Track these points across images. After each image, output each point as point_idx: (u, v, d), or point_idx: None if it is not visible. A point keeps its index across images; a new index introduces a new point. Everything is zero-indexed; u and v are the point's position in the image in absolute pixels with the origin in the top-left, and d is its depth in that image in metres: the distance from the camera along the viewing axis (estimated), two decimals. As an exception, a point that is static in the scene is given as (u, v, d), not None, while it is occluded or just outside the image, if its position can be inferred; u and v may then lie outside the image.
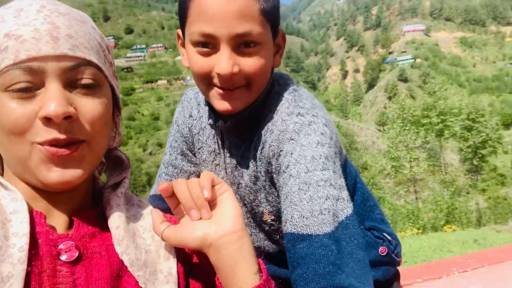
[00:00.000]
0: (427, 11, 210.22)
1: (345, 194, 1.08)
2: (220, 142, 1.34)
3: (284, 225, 1.06)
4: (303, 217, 1.02)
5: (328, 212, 1.02)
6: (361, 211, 1.40)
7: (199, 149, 1.43)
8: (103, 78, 0.82)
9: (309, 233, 1.00)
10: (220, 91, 1.16)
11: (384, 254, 1.38)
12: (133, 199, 0.93)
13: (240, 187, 1.32)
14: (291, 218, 1.04)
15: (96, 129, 0.80)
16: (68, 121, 0.75)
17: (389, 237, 1.41)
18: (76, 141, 0.76)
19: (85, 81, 0.78)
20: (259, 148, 1.23)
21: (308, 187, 1.05)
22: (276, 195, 1.25)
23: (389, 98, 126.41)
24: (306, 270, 0.96)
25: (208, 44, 1.12)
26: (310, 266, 0.96)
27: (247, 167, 1.28)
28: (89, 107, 0.78)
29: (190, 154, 1.47)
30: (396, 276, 1.48)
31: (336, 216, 1.03)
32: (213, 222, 0.82)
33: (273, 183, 1.23)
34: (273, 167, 1.19)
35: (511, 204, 34.03)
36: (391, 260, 1.41)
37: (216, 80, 1.15)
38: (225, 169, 1.35)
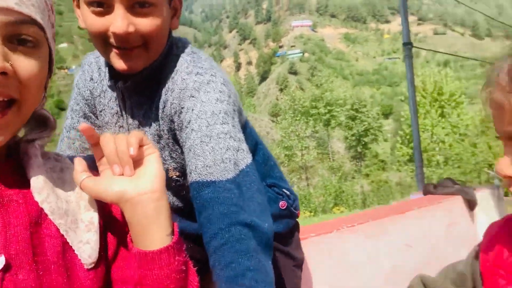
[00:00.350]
0: (314, 8, 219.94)
1: (244, 146, 1.15)
2: (121, 104, 1.34)
3: (189, 176, 1.12)
4: (207, 166, 1.08)
5: (229, 161, 1.09)
6: (262, 169, 1.47)
7: (101, 111, 1.41)
8: (44, 39, 0.79)
9: (213, 180, 1.06)
10: (117, 51, 1.17)
11: (284, 208, 1.49)
12: (50, 153, 0.91)
13: None
14: (195, 168, 1.10)
15: (31, 90, 0.77)
16: (3, 77, 0.72)
17: (288, 193, 1.52)
18: (8, 98, 0.73)
19: (27, 38, 0.75)
20: (161, 107, 1.26)
21: (210, 139, 1.11)
22: (179, 151, 1.29)
23: (281, 90, 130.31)
24: (211, 212, 1.02)
25: (103, 4, 1.12)
26: (215, 207, 1.02)
27: (149, 126, 1.30)
28: (27, 66, 0.75)
29: (93, 116, 1.45)
30: (296, 227, 1.59)
31: (237, 165, 1.10)
32: (134, 179, 0.81)
33: (176, 140, 1.28)
34: (176, 124, 1.23)
35: (392, 187, 36.99)
36: (291, 213, 1.53)
37: (112, 40, 1.16)
38: (128, 130, 1.35)
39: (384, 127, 57.64)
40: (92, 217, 0.83)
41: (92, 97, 1.43)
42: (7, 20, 0.72)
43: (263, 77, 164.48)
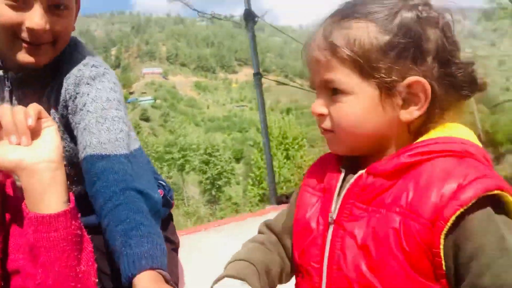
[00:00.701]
0: (164, 56, 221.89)
1: (133, 133, 1.24)
2: (8, 94, 1.35)
3: (82, 152, 1.15)
4: (101, 142, 1.14)
5: (123, 140, 1.17)
6: None
7: None
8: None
9: (108, 154, 1.12)
10: (27, 45, 1.21)
11: (161, 196, 1.53)
12: None
13: None
14: (89, 144, 1.14)
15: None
16: None
17: (163, 183, 1.62)
18: None
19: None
20: (53, 96, 1.29)
21: (105, 121, 1.18)
22: (68, 140, 1.32)
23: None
24: (106, 180, 1.06)
25: None
26: (110, 176, 1.07)
27: None
28: None
29: None
30: (171, 216, 1.71)
31: (128, 146, 1.18)
32: (32, 149, 0.83)
33: (66, 128, 1.31)
34: (69, 108, 1.27)
35: (245, 227, 37.76)
36: (167, 202, 1.61)
37: (24, 35, 1.19)
38: None
39: (236, 171, 59.51)
40: None
41: None
42: None
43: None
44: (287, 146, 35.55)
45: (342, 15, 0.89)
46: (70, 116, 1.28)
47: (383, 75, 0.84)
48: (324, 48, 0.88)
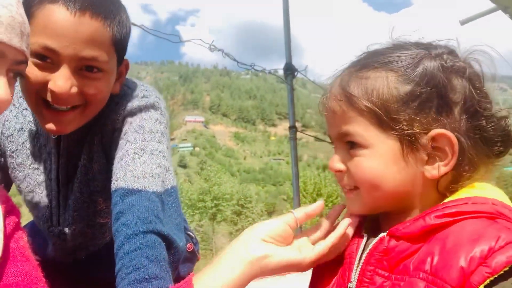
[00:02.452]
0: (207, 105, 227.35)
1: (172, 168, 1.16)
2: (54, 144, 1.28)
3: (115, 183, 1.08)
4: (135, 176, 1.07)
5: (158, 177, 1.09)
6: None
7: (13, 152, 1.33)
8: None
9: (140, 189, 1.04)
10: (49, 111, 1.10)
11: (190, 250, 1.48)
12: None
13: (75, 181, 1.29)
14: (123, 176, 1.07)
15: None
16: None
17: (192, 235, 1.52)
18: None
19: (20, 74, 0.90)
20: (99, 131, 1.23)
21: (143, 153, 1.11)
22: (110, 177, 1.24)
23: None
24: (130, 218, 0.99)
25: (46, 58, 1.05)
26: (135, 214, 1.00)
27: (83, 159, 1.27)
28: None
29: None
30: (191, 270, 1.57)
31: (164, 183, 1.10)
32: None
33: (107, 157, 1.25)
34: (112, 138, 1.21)
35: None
36: (194, 257, 1.53)
37: (49, 97, 1.08)
38: (57, 169, 1.29)
39: None
40: None
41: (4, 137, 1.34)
42: (16, 59, 0.85)
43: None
44: None
45: (361, 65, 0.85)
46: (110, 145, 1.22)
47: (404, 127, 0.79)
48: (340, 98, 0.84)
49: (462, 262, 0.67)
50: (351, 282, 0.83)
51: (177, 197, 1.14)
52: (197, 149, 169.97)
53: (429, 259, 0.72)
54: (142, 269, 0.91)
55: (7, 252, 0.83)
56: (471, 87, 0.80)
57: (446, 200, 0.80)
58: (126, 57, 1.21)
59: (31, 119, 1.31)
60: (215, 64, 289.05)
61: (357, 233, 0.90)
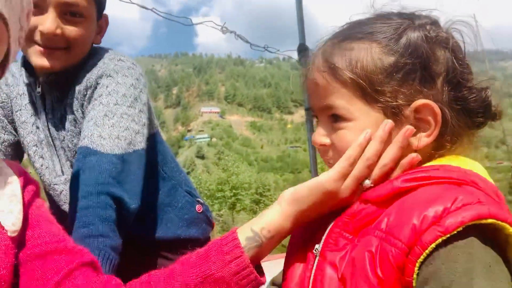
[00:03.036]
0: (222, 96, 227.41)
1: (144, 132, 1.24)
2: (41, 102, 1.40)
3: (82, 141, 1.16)
4: (102, 137, 1.15)
5: (125, 139, 1.16)
6: (178, 177, 1.57)
7: (17, 111, 1.46)
8: (5, 36, 0.79)
9: (101, 151, 1.12)
10: (41, 48, 1.26)
11: (200, 211, 1.57)
12: None
13: (64, 139, 1.40)
14: (90, 135, 1.15)
15: None
16: None
17: (201, 201, 1.59)
18: None
19: None
20: (78, 88, 1.32)
21: (113, 116, 1.19)
22: None
23: (188, 173, 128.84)
24: (89, 177, 1.08)
25: (36, 5, 1.18)
26: (93, 174, 1.08)
27: (68, 115, 1.37)
28: None
29: (6, 121, 1.48)
30: (210, 238, 1.63)
31: (132, 144, 1.18)
32: None
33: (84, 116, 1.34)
34: (87, 97, 1.30)
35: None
36: (207, 219, 1.61)
37: (37, 38, 1.25)
38: (48, 126, 1.41)
39: None
40: (14, 190, 0.84)
41: (8, 100, 1.47)
42: None
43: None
44: None
45: (344, 36, 0.84)
46: (85, 103, 1.30)
47: (388, 99, 0.78)
48: (324, 70, 0.82)
49: (415, 220, 0.66)
50: (318, 244, 0.83)
51: (143, 160, 1.20)
52: (214, 139, 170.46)
53: (385, 219, 0.72)
54: (91, 226, 1.00)
55: (29, 220, 0.86)
56: (453, 58, 0.79)
57: (426, 165, 0.80)
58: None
59: (26, 89, 1.43)
60: (228, 54, 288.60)
61: None
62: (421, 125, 0.79)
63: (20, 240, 0.82)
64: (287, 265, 0.91)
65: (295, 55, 3.74)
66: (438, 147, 0.80)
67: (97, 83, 1.27)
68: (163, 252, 1.49)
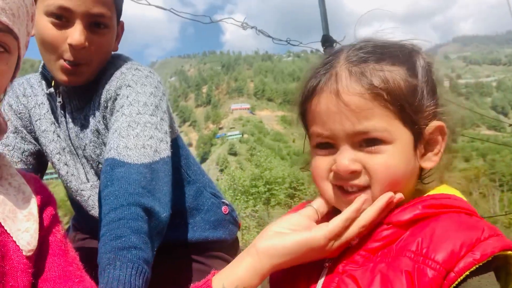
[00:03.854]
0: (252, 92, 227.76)
1: (168, 140, 1.23)
2: (61, 111, 1.41)
3: (108, 153, 1.15)
4: (127, 147, 1.13)
5: (150, 148, 1.15)
6: (202, 178, 1.57)
7: (36, 121, 1.46)
8: (16, 48, 0.81)
9: (129, 162, 1.11)
10: (67, 66, 1.26)
11: (226, 213, 1.57)
12: None
13: (86, 148, 1.40)
14: (116, 147, 1.14)
15: None
16: None
17: (227, 202, 1.60)
18: None
19: (2, 46, 0.78)
20: (98, 100, 1.32)
21: (137, 126, 1.18)
22: None
23: (221, 170, 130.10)
24: (118, 188, 1.06)
25: (62, 17, 1.22)
26: (123, 185, 1.06)
27: (89, 125, 1.37)
28: None
29: (25, 131, 1.48)
30: (237, 240, 1.66)
31: (158, 152, 1.16)
32: None
33: (106, 127, 1.35)
34: (108, 109, 1.29)
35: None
36: (234, 220, 1.61)
37: (67, 55, 1.25)
38: (68, 135, 1.42)
39: None
40: (31, 208, 0.84)
41: (26, 110, 1.48)
42: None
43: (203, 158, 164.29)
44: None
45: (366, 58, 0.80)
46: (107, 116, 1.30)
47: (417, 120, 0.79)
48: (359, 92, 0.77)
49: (453, 246, 0.70)
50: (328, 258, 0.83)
51: (170, 167, 1.18)
52: (245, 136, 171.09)
53: (417, 241, 0.73)
54: (123, 238, 0.97)
55: (45, 246, 0.86)
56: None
57: (431, 193, 0.83)
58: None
59: (46, 98, 1.44)
60: (256, 50, 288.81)
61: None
62: (430, 145, 0.81)
63: (37, 261, 0.82)
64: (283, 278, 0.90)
65: (319, 47, 3.70)
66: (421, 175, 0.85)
67: (117, 94, 1.26)
68: (193, 255, 1.49)
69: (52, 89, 1.38)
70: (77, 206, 1.53)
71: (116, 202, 1.03)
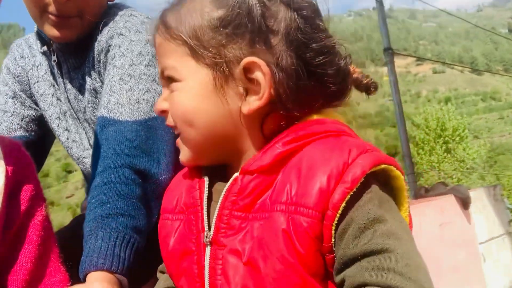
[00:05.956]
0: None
1: None
2: (58, 70, 1.23)
3: (99, 110, 1.02)
4: (119, 104, 0.98)
5: (146, 102, 0.99)
6: None
7: (34, 83, 1.29)
8: None
9: (120, 119, 0.96)
10: (54, 18, 1.09)
11: None
12: None
13: (86, 110, 1.23)
14: (107, 104, 1.00)
15: None
16: None
17: None
18: None
19: None
20: (92, 55, 1.15)
21: (130, 79, 1.01)
22: None
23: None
24: (106, 150, 0.92)
25: None
26: (111, 146, 0.92)
27: (87, 84, 1.19)
28: None
29: (24, 95, 1.31)
30: None
31: (152, 109, 0.99)
32: None
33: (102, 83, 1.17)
34: (101, 63, 1.12)
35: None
36: None
37: (51, 8, 1.07)
38: (68, 98, 1.24)
39: None
40: None
41: (24, 73, 1.30)
42: None
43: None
44: (446, 138, 31.21)
45: None
46: (102, 72, 1.12)
47: (214, 55, 0.68)
48: (159, 32, 0.74)
49: (320, 183, 0.61)
50: (206, 230, 0.70)
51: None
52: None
53: (286, 189, 0.63)
54: (108, 205, 0.85)
55: (22, 233, 0.75)
56: (297, 16, 0.68)
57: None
58: None
59: (44, 58, 1.27)
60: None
61: (196, 179, 0.75)
62: (254, 88, 0.67)
63: (10, 248, 0.73)
64: (168, 260, 0.77)
65: None
66: (286, 119, 0.69)
67: (109, 45, 1.08)
68: None
69: (45, 48, 1.19)
70: (84, 175, 1.34)
71: (103, 165, 0.90)
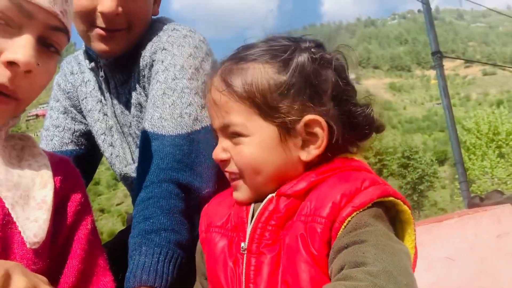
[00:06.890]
0: (356, 61, 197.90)
1: None
2: (105, 86, 1.23)
3: (143, 124, 1.03)
4: (162, 118, 0.99)
5: (189, 116, 0.99)
6: None
7: (83, 99, 1.30)
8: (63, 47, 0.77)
9: (163, 134, 0.97)
10: (102, 32, 1.08)
11: None
12: (16, 134, 0.80)
13: (131, 125, 1.22)
14: (150, 118, 1.00)
15: (37, 91, 0.74)
16: (28, 75, 0.70)
17: None
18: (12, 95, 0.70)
19: (54, 44, 0.74)
20: (137, 70, 1.14)
21: (173, 93, 1.01)
22: None
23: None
24: (150, 164, 0.93)
25: None
26: (155, 161, 0.93)
27: (133, 98, 1.19)
28: (46, 69, 0.73)
29: (74, 111, 1.33)
30: None
31: (199, 121, 1.00)
32: None
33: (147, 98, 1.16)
34: (146, 78, 1.12)
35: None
36: None
37: (99, 21, 1.06)
38: (114, 112, 1.24)
39: (440, 174, 51.17)
40: (46, 196, 0.73)
41: (74, 89, 1.32)
42: (48, 23, 0.69)
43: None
44: (499, 143, 29.98)
45: (239, 58, 0.83)
46: (147, 86, 1.12)
47: (282, 115, 0.78)
48: (222, 89, 0.80)
49: (334, 199, 0.72)
50: (243, 242, 0.79)
51: (211, 136, 0.94)
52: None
53: (306, 206, 0.76)
54: (151, 220, 0.86)
55: (68, 246, 0.75)
56: (337, 77, 0.82)
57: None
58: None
59: (92, 75, 1.27)
60: (358, 17, 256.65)
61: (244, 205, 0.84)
62: (311, 139, 0.80)
63: (58, 261, 0.73)
64: (212, 271, 0.84)
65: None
66: (323, 158, 0.82)
67: (153, 60, 1.09)
68: None
69: (93, 64, 1.19)
70: (128, 190, 1.35)
71: (147, 180, 0.91)
